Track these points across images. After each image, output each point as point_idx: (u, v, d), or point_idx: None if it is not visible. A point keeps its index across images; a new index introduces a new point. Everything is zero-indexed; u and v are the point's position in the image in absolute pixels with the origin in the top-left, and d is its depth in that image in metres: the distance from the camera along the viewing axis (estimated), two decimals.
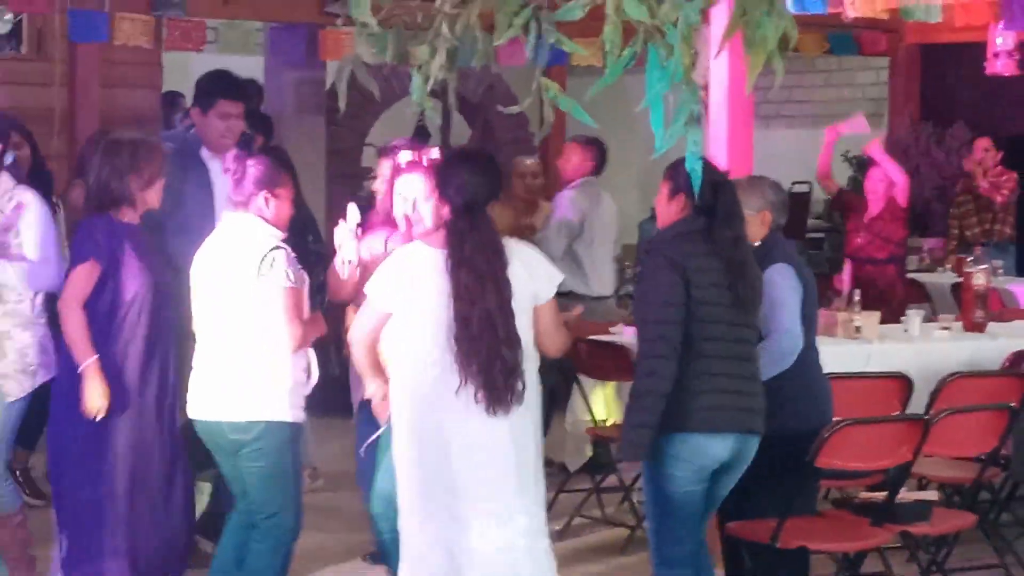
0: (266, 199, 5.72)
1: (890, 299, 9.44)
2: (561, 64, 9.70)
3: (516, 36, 4.66)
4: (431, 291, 5.19)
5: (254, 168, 5.79)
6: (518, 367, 5.14)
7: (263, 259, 5.61)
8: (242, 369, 5.68)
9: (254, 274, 5.61)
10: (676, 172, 5.54)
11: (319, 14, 10.62)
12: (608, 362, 7.64)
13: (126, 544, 5.90)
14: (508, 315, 5.24)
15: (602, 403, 8.39)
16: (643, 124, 6.84)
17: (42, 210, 6.22)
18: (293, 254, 5.80)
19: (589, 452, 8.29)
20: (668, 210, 5.63)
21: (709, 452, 5.42)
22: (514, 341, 5.20)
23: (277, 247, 5.72)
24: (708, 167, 5.49)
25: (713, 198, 5.45)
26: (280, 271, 5.62)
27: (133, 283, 5.85)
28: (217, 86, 7.27)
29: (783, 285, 5.96)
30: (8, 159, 6.47)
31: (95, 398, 5.64)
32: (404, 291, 5.27)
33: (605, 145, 9.45)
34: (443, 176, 5.47)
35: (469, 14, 4.37)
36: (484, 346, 5.15)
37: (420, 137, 12.75)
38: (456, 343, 5.16)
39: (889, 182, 10.15)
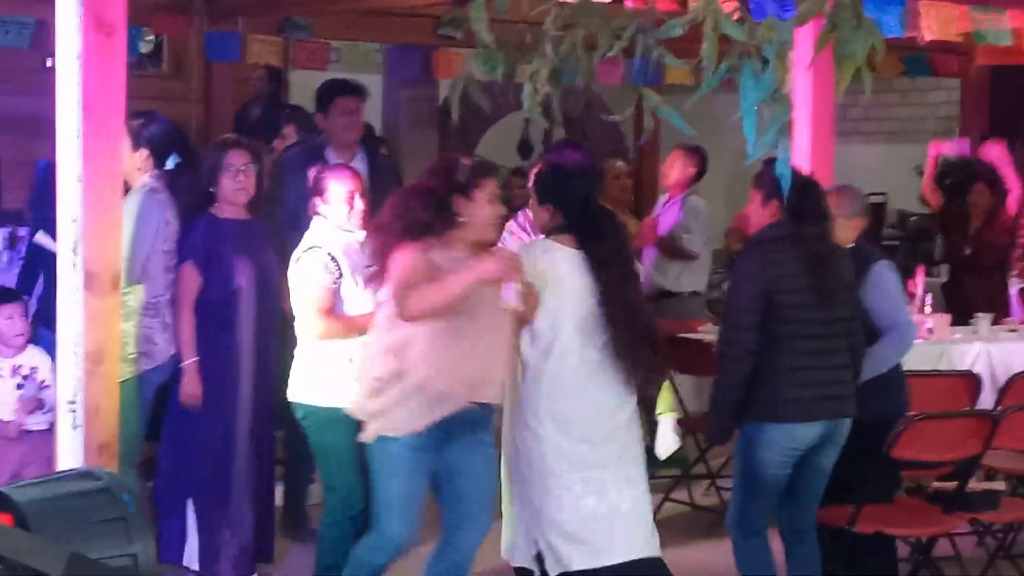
0: (325, 202, 5.84)
1: (998, 305, 9.28)
2: (656, 83, 9.87)
3: (618, 54, 4.98)
4: (575, 287, 5.32)
5: (320, 177, 5.94)
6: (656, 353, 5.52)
7: (299, 256, 5.77)
8: (298, 354, 5.89)
9: (293, 267, 5.92)
10: (765, 179, 5.68)
11: (433, 36, 10.72)
12: (693, 357, 7.62)
13: (239, 519, 6.05)
14: (645, 305, 5.63)
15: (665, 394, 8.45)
16: (729, 138, 7.01)
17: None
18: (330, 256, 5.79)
19: (679, 442, 8.11)
20: (761, 215, 5.79)
21: (796, 438, 5.56)
22: (653, 329, 5.47)
23: (314, 247, 5.76)
24: (793, 171, 5.63)
25: (800, 199, 5.56)
26: (306, 268, 5.68)
27: (233, 277, 6.03)
28: (334, 88, 7.56)
29: (893, 279, 6.15)
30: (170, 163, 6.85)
31: (189, 395, 5.87)
32: (551, 288, 5.37)
33: (706, 153, 9.54)
34: (552, 182, 5.62)
35: (573, 36, 4.53)
36: (632, 335, 5.31)
37: (523, 150, 13.08)
38: (606, 334, 5.29)
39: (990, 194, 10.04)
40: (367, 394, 5.45)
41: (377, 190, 6.29)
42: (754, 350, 5.62)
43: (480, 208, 5.34)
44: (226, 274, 6.10)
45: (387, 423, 5.36)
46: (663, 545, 6.00)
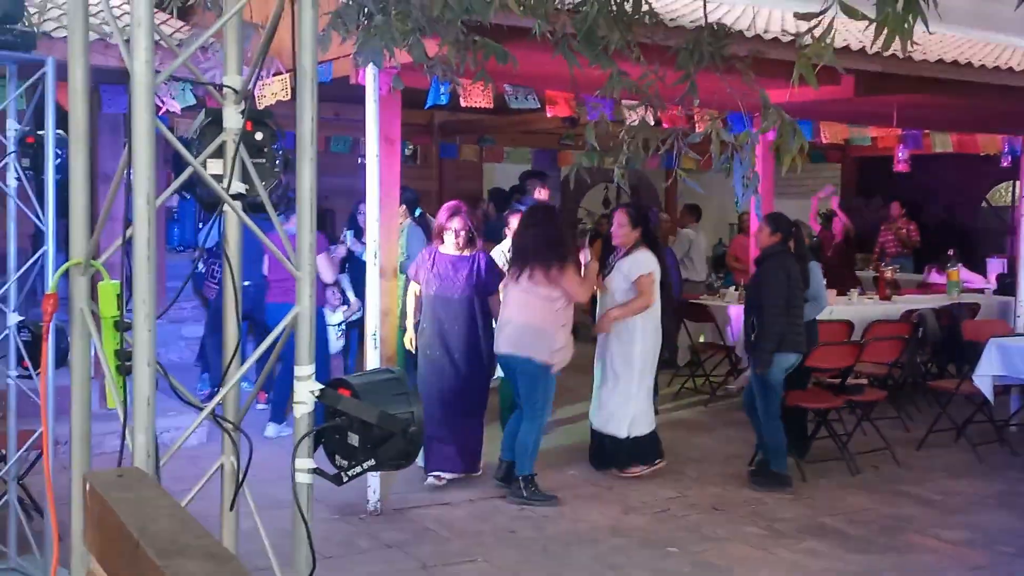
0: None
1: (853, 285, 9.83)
2: (673, 167, 11.35)
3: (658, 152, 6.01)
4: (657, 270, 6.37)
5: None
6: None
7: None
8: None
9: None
10: (773, 220, 6.40)
11: (557, 143, 11.87)
12: (700, 311, 8.91)
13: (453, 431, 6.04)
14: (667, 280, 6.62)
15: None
16: (714, 197, 7.88)
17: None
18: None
19: (689, 357, 9.11)
20: (769, 240, 6.35)
21: (790, 361, 6.20)
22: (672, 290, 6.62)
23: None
24: (785, 217, 6.42)
25: (790, 233, 6.34)
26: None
27: (430, 285, 6.14)
28: (530, 174, 9.01)
29: (818, 271, 6.79)
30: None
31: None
32: (655, 269, 6.39)
33: (700, 208, 10.85)
34: (637, 216, 6.54)
35: (637, 140, 5.48)
36: (667, 294, 6.55)
37: (605, 203, 13.92)
38: (664, 299, 6.42)
39: (841, 226, 10.71)
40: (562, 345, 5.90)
41: None
42: (784, 311, 6.08)
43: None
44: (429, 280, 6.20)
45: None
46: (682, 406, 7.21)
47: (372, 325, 5.75)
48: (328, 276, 7.35)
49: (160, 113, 6.82)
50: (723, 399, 8.85)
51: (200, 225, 10.75)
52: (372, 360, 5.69)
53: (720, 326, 8.84)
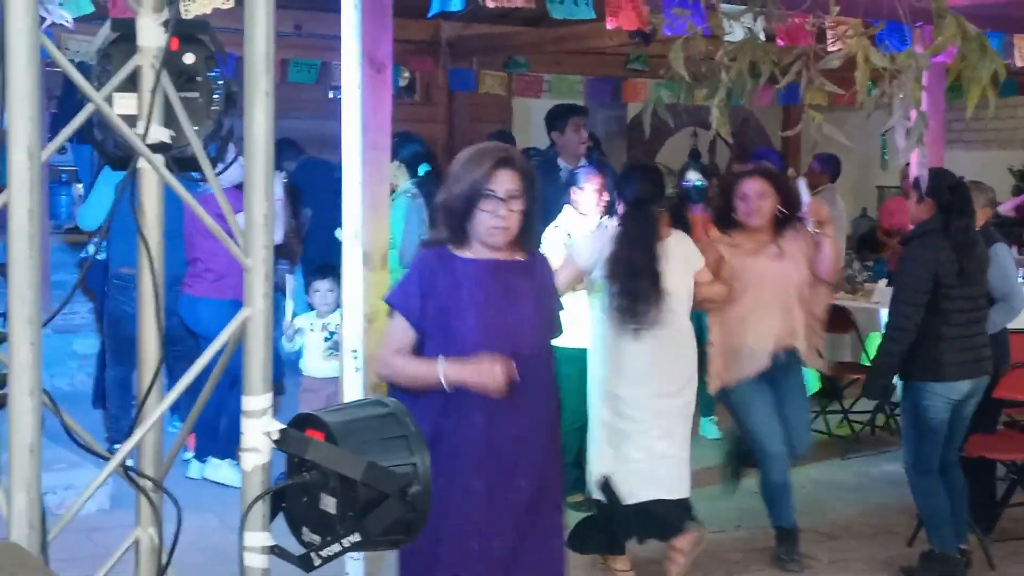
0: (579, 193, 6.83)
1: None
2: (798, 103, 11.38)
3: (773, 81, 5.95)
4: None
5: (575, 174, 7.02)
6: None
7: (545, 233, 6.42)
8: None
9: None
10: (919, 184, 6.27)
11: (622, 69, 11.80)
12: (842, 320, 8.66)
13: None
14: None
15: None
16: (856, 151, 7.76)
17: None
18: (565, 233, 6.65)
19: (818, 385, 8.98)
20: (917, 212, 6.34)
21: (955, 391, 6.08)
22: None
23: (557, 227, 6.83)
24: (947, 174, 6.32)
25: (951, 197, 6.13)
26: (548, 241, 6.41)
27: None
28: (565, 110, 8.69)
29: (1009, 258, 6.71)
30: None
31: None
32: None
33: (840, 160, 10.85)
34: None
35: (741, 64, 5.18)
36: None
37: (693, 156, 13.82)
38: None
39: None
40: None
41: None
42: (920, 324, 6.04)
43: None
44: None
45: None
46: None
47: (352, 337, 5.77)
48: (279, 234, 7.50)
49: (43, 27, 6.85)
50: (870, 446, 8.79)
51: (82, 192, 10.73)
52: (352, 387, 5.73)
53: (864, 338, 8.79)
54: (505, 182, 4.01)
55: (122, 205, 7.55)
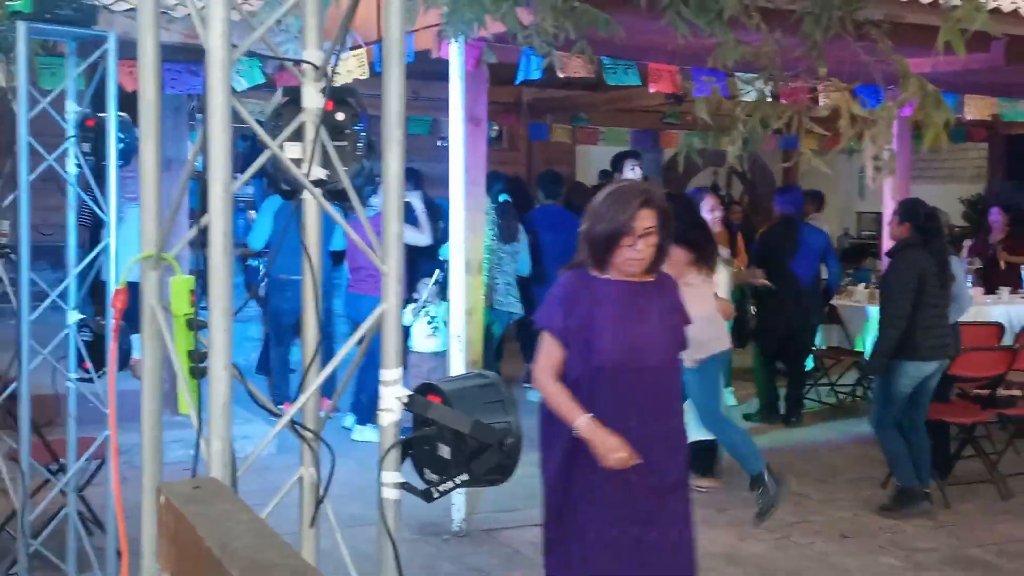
0: None
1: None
2: (795, 148, 11.36)
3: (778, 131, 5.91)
4: None
5: None
6: None
7: None
8: None
9: None
10: (903, 208, 6.22)
11: (660, 123, 11.83)
12: (830, 314, 8.65)
13: None
14: None
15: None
16: (842, 181, 7.66)
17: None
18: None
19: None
20: (898, 231, 6.18)
21: (924, 369, 6.05)
22: None
23: None
24: (920, 203, 6.19)
25: (927, 222, 6.08)
26: None
27: None
28: (623, 154, 8.75)
29: (960, 267, 6.63)
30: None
31: None
32: None
33: (823, 194, 10.74)
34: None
35: (755, 119, 5.62)
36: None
37: (714, 189, 14.13)
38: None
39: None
40: None
41: None
42: (909, 316, 5.94)
43: None
44: None
45: None
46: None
47: (456, 325, 5.81)
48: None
49: None
50: (852, 412, 8.74)
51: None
52: (457, 364, 5.75)
53: (848, 328, 8.65)
54: (645, 220, 3.54)
55: (278, 227, 7.66)
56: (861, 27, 4.86)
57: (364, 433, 7.42)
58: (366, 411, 7.35)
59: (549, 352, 3.61)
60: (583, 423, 3.49)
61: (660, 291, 3.73)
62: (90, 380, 4.54)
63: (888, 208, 7.99)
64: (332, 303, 7.89)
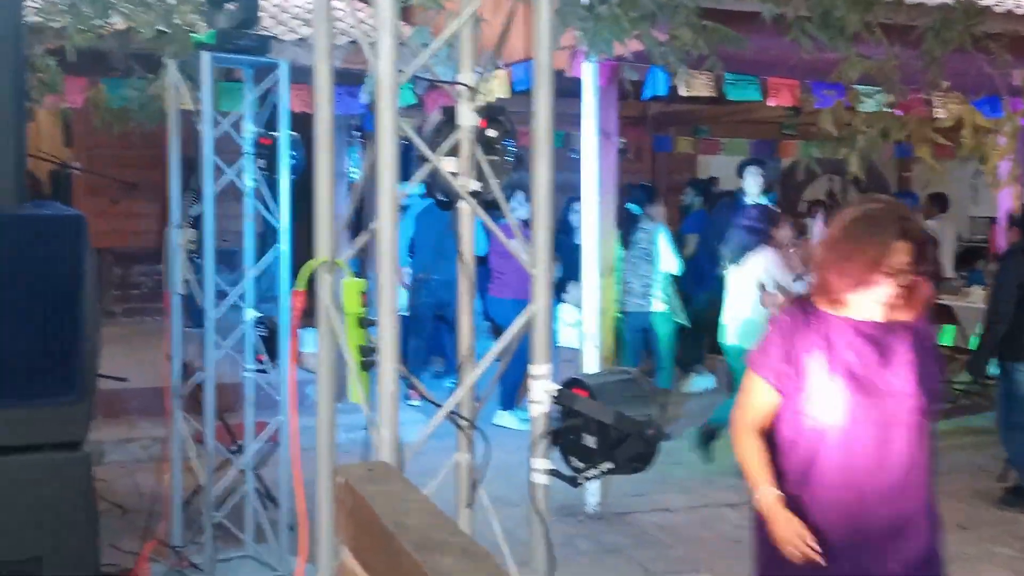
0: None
1: None
2: (908, 156, 10.58)
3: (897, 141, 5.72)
4: None
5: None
6: None
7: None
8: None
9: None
10: (1017, 215, 6.02)
11: (778, 134, 11.51)
12: (946, 314, 8.43)
13: None
14: None
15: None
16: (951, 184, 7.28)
17: None
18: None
19: None
20: (1010, 236, 6.14)
21: None
22: None
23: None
24: None
25: None
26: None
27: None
28: (746, 162, 8.54)
29: None
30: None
31: None
32: None
33: (946, 196, 10.23)
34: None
35: (876, 129, 5.05)
36: None
37: (831, 197, 13.33)
38: None
39: None
40: None
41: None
42: (1011, 317, 5.75)
43: None
44: None
45: None
46: None
47: (590, 325, 5.79)
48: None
49: (370, 111, 7.10)
50: (968, 409, 8.36)
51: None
52: (591, 360, 5.72)
53: (964, 328, 8.36)
54: (899, 255, 2.65)
55: (419, 230, 7.75)
56: (980, 41, 4.67)
57: (503, 418, 7.45)
58: (506, 398, 7.40)
59: (755, 399, 2.76)
60: (764, 497, 2.68)
61: (911, 334, 2.74)
62: (264, 371, 4.68)
63: (1002, 212, 7.63)
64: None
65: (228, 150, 4.64)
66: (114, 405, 6.54)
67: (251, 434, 4.74)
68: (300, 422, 2.99)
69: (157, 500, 4.75)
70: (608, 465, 2.63)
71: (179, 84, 4.48)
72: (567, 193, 7.16)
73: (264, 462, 4.97)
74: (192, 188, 4.48)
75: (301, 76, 5.07)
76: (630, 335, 7.43)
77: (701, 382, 8.64)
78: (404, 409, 6.49)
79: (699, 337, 8.29)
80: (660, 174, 12.38)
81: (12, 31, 2.94)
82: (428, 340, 8.15)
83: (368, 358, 2.62)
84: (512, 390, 7.28)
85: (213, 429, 4.47)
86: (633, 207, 7.54)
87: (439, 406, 2.76)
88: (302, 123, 5.21)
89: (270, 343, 4.65)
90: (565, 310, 7.55)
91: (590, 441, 2.66)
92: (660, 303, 7.36)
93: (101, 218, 9.48)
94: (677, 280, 7.59)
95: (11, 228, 2.97)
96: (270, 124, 4.72)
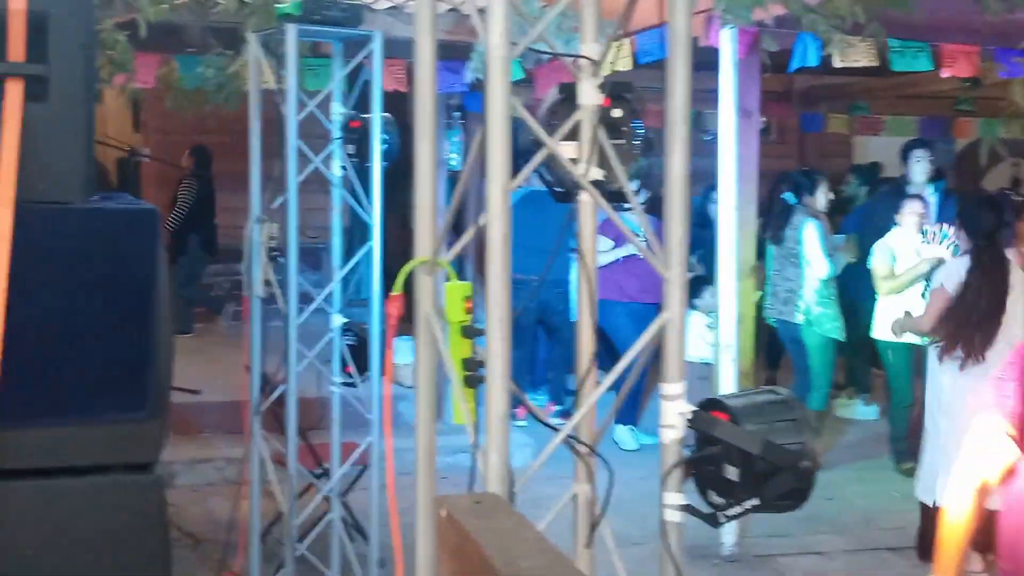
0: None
1: None
2: None
3: None
4: None
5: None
6: None
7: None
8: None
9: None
10: None
11: (951, 110, 11.07)
12: None
13: None
14: None
15: None
16: None
17: None
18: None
19: None
20: None
21: None
22: None
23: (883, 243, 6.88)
24: None
25: None
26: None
27: None
28: (910, 144, 8.37)
29: None
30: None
31: None
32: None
33: None
34: None
35: None
36: None
37: (1014, 186, 12.91)
38: None
39: None
40: None
41: None
42: None
43: None
44: None
45: None
46: None
47: (727, 334, 5.72)
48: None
49: (473, 90, 7.11)
50: None
51: None
52: (727, 375, 5.65)
53: None
54: None
55: (517, 223, 7.79)
56: None
57: (617, 432, 7.38)
58: (626, 411, 7.36)
59: (989, 447, 2.54)
60: None
61: None
62: (353, 384, 4.73)
63: None
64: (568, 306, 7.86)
65: (314, 135, 4.68)
66: (185, 421, 6.71)
67: (338, 456, 4.81)
68: (393, 443, 3.00)
69: (233, 529, 4.84)
70: (753, 502, 2.58)
71: (261, 61, 4.55)
72: (697, 182, 7.06)
73: (352, 488, 5.00)
74: (274, 178, 4.54)
75: (393, 50, 5.13)
76: (788, 346, 7.40)
77: (863, 410, 8.46)
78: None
79: (862, 355, 8.07)
80: (808, 158, 12.07)
81: (81, 4, 3.02)
82: (531, 350, 8.13)
83: (473, 373, 2.61)
84: (632, 401, 7.23)
85: (296, 450, 4.54)
86: (789, 197, 7.42)
87: (555, 429, 2.74)
88: (395, 103, 5.27)
89: (359, 353, 4.70)
90: (696, 318, 7.44)
91: (732, 473, 2.62)
92: (803, 313, 7.18)
93: (172, 211, 9.72)
94: (844, 285, 7.40)
95: (78, 223, 3.05)
96: (361, 105, 4.75)
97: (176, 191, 9.62)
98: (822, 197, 7.48)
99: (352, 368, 4.73)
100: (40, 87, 2.94)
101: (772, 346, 8.02)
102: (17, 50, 2.90)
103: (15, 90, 2.89)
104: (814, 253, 7.11)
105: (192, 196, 9.54)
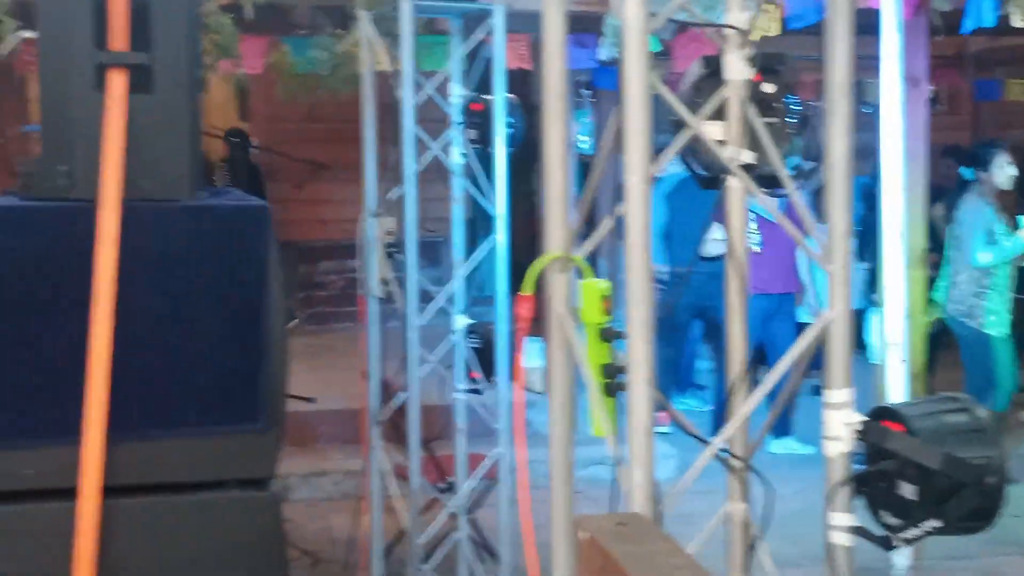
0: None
1: None
2: None
3: None
4: None
5: None
6: None
7: None
8: None
9: None
10: None
11: None
12: None
13: None
14: None
15: None
16: None
17: None
18: None
19: None
20: None
21: None
22: None
23: None
24: None
25: None
26: None
27: None
28: None
29: None
30: None
31: None
32: None
33: None
34: None
35: None
36: None
37: None
38: None
39: None
40: None
41: None
42: None
43: None
44: None
45: None
46: None
47: (895, 331, 5.54)
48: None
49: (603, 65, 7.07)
50: None
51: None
52: (897, 378, 5.49)
53: None
54: None
55: (674, 213, 7.61)
56: None
57: (773, 447, 7.32)
58: (780, 422, 7.23)
59: None
60: None
61: None
62: (478, 391, 4.74)
63: None
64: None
65: (432, 119, 4.71)
66: (300, 431, 6.81)
67: (463, 469, 4.84)
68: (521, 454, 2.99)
69: (353, 547, 4.90)
70: (935, 523, 2.53)
71: (373, 40, 4.60)
72: (863, 159, 6.88)
73: (480, 504, 5.02)
74: (390, 167, 4.58)
75: (516, 24, 5.12)
76: (960, 343, 7.28)
77: None
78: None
79: None
80: (984, 129, 11.72)
81: None
82: (686, 352, 8.04)
83: (613, 380, 2.59)
84: (786, 411, 7.10)
85: (419, 462, 4.58)
86: (967, 172, 7.26)
87: (705, 442, 2.70)
88: (519, 83, 5.27)
89: (485, 357, 4.71)
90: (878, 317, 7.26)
91: (908, 491, 2.56)
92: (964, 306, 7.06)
93: (283, 206, 9.89)
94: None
95: (186, 221, 3.11)
96: (482, 86, 4.77)
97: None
98: (1000, 172, 7.18)
99: (478, 373, 4.72)
100: (144, 77, 3.00)
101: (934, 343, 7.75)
102: (119, 38, 2.96)
103: (118, 81, 2.96)
104: (978, 239, 6.98)
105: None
